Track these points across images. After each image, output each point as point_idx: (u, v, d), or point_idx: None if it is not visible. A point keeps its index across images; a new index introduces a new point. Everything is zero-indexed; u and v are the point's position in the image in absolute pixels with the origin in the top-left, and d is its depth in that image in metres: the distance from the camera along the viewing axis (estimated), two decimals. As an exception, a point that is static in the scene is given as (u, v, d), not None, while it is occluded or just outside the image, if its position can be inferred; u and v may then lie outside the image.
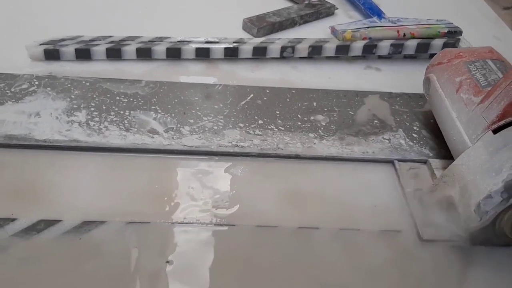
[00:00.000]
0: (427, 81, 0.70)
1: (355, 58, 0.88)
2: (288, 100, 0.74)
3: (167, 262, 0.50)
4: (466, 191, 0.51)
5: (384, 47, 0.85)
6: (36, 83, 0.72)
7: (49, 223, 0.53)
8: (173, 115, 0.69)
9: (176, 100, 0.72)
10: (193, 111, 0.70)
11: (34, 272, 0.48)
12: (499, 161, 0.50)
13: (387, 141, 0.68)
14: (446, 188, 0.54)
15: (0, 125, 0.64)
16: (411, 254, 0.53)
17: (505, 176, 0.48)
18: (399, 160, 0.65)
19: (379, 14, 0.94)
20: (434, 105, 0.68)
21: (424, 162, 0.65)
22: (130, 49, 0.80)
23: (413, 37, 0.88)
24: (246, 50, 0.83)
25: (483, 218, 0.49)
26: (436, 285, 0.51)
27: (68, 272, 0.48)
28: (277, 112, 0.71)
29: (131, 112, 0.68)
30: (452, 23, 0.91)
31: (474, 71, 0.64)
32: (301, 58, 0.85)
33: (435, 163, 0.64)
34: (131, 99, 0.71)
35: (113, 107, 0.69)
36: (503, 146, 0.52)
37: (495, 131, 0.54)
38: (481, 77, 0.63)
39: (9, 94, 0.69)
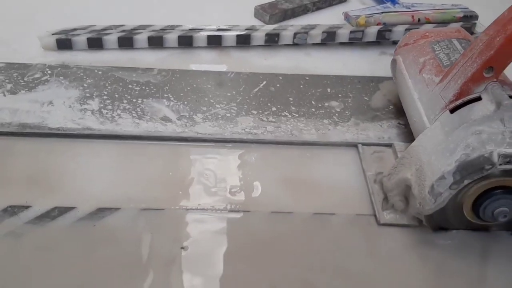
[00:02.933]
0: (393, 63, 0.68)
1: (369, 44, 0.86)
2: (301, 86, 0.73)
3: (182, 248, 0.50)
4: (421, 172, 0.49)
5: (399, 32, 0.84)
6: (49, 72, 0.72)
7: (63, 210, 0.52)
8: (185, 102, 0.68)
9: (188, 88, 0.71)
10: (206, 99, 0.69)
11: (48, 259, 0.48)
12: (454, 141, 0.48)
13: (403, 127, 0.66)
14: (403, 170, 0.53)
15: (14, 114, 0.64)
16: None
17: (459, 156, 0.46)
18: (364, 144, 0.63)
19: (393, -1, 0.93)
20: (399, 87, 0.66)
21: (390, 145, 0.63)
22: (142, 38, 0.79)
23: (428, 22, 0.86)
24: (259, 37, 0.82)
25: (438, 200, 0.47)
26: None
27: (82, 258, 0.48)
28: (291, 99, 0.71)
29: (144, 100, 0.68)
30: (467, 8, 0.90)
31: (438, 50, 0.62)
32: (314, 44, 0.84)
33: (400, 146, 0.62)
34: (144, 87, 0.70)
35: (126, 95, 0.69)
36: (459, 126, 0.50)
37: (452, 111, 0.52)
38: (444, 57, 0.60)
39: (22, 83, 0.69)
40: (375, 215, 0.54)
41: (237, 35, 0.81)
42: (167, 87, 0.71)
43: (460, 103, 0.52)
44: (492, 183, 0.48)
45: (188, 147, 0.62)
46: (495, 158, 0.45)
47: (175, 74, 0.74)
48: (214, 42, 0.81)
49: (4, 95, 0.67)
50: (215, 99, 0.70)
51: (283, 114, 0.68)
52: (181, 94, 0.70)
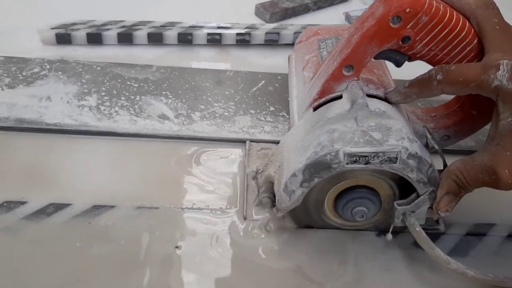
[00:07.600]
0: (288, 61, 0.67)
1: (369, 45, 0.86)
2: (300, 86, 0.73)
3: (176, 247, 0.50)
4: (282, 169, 0.49)
5: (399, 34, 0.84)
6: (48, 67, 0.72)
7: (59, 206, 0.53)
8: (183, 100, 0.68)
9: (187, 86, 0.71)
10: (204, 97, 0.69)
11: (43, 255, 0.48)
12: (309, 139, 0.47)
13: (400, 129, 0.66)
14: (271, 167, 0.52)
15: (11, 108, 0.64)
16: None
17: (309, 154, 0.45)
18: (252, 141, 0.62)
19: None
20: (288, 84, 0.65)
21: (278, 142, 0.62)
22: (141, 34, 0.79)
23: (429, 24, 0.86)
24: (259, 36, 0.82)
25: (292, 198, 0.47)
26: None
27: (77, 255, 0.48)
28: (289, 99, 0.71)
29: (142, 97, 0.68)
30: (469, 10, 0.89)
31: (322, 48, 0.60)
32: (314, 44, 0.84)
33: None
34: (142, 84, 0.70)
35: (124, 92, 0.69)
36: (316, 124, 0.49)
37: (315, 109, 0.52)
38: (326, 55, 0.59)
39: (20, 77, 0.69)
40: (243, 212, 0.54)
41: (237, 34, 0.81)
42: (165, 85, 0.71)
43: (323, 101, 0.52)
44: (352, 182, 0.47)
45: (185, 146, 0.62)
46: (341, 157, 0.44)
47: (174, 72, 0.74)
48: (214, 40, 0.81)
49: (2, 89, 0.67)
50: (213, 97, 0.70)
51: (280, 114, 0.68)
52: (180, 92, 0.70)
